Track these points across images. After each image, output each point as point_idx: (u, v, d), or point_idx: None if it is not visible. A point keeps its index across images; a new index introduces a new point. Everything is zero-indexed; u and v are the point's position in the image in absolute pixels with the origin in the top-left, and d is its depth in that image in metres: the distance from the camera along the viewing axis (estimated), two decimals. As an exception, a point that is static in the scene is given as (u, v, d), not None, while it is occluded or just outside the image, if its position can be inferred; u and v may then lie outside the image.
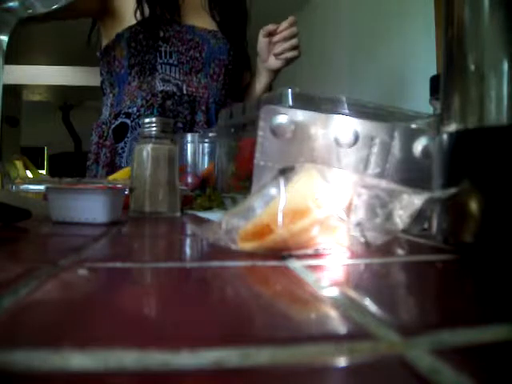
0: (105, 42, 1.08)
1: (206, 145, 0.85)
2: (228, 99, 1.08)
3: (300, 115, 0.35)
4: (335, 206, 0.23)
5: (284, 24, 0.95)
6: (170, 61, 1.00)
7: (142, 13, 0.98)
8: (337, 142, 0.35)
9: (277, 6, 1.91)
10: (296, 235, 0.23)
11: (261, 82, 1.05)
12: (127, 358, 0.10)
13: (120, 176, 0.82)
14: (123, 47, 1.01)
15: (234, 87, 1.11)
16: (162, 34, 0.99)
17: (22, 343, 0.11)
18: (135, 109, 1.00)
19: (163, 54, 0.99)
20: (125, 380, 0.10)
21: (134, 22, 0.99)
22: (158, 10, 0.99)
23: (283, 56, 0.96)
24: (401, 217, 0.23)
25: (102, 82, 1.13)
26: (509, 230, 0.21)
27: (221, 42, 1.05)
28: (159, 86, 1.00)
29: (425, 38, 1.39)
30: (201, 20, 1.05)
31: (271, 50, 0.98)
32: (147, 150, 0.50)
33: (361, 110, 0.44)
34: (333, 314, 0.14)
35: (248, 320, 0.14)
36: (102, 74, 1.14)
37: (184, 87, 1.01)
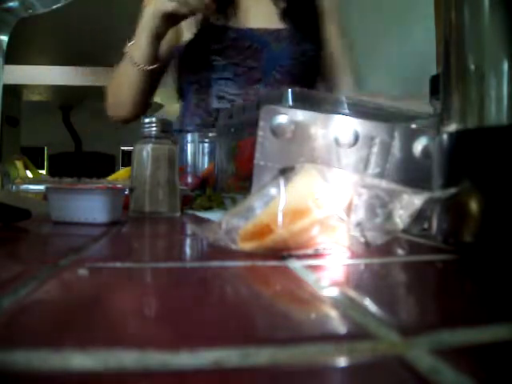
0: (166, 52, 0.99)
1: (206, 145, 0.85)
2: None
3: (300, 115, 0.35)
4: (335, 205, 0.23)
5: None
6: (225, 74, 0.91)
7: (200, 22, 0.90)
8: (337, 142, 0.35)
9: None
10: (296, 235, 0.23)
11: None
12: (127, 358, 0.10)
13: (120, 176, 0.82)
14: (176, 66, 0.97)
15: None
16: (215, 46, 0.90)
17: (22, 343, 0.11)
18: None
19: (218, 68, 0.91)
20: (125, 380, 0.10)
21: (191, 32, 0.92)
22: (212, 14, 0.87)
23: None
24: (401, 217, 0.23)
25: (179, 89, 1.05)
26: (509, 229, 0.21)
27: (284, 43, 0.92)
28: (215, 104, 0.92)
29: (425, 38, 1.39)
30: (260, 14, 0.94)
31: None
32: (147, 150, 0.50)
33: (361, 110, 0.44)
34: (333, 313, 0.14)
35: (248, 320, 0.14)
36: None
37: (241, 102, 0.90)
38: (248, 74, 0.91)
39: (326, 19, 0.98)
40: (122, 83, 0.90)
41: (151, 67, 0.84)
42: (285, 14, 0.94)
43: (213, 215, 0.48)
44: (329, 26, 0.98)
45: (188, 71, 0.95)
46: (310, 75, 0.96)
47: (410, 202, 0.23)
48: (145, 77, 0.86)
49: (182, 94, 1.01)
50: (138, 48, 0.83)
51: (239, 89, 0.91)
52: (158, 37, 0.81)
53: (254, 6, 0.95)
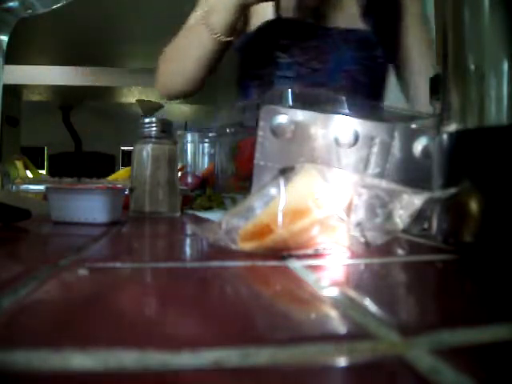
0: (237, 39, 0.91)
1: (206, 145, 0.85)
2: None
3: (300, 115, 0.35)
4: (335, 205, 0.23)
5: None
6: (288, 73, 0.84)
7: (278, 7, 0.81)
8: (337, 142, 0.35)
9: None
10: (296, 235, 0.23)
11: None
12: (127, 358, 0.10)
13: (120, 176, 0.82)
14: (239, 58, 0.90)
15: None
16: (281, 41, 0.83)
17: (22, 343, 0.11)
18: None
19: (281, 65, 0.84)
20: (125, 380, 0.10)
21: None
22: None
23: None
24: (401, 217, 0.23)
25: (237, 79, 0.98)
26: (509, 229, 0.21)
27: (354, 46, 0.84)
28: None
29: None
30: (340, 11, 0.85)
31: None
32: (147, 150, 0.50)
33: (361, 110, 0.44)
34: (333, 313, 0.14)
35: (248, 320, 0.14)
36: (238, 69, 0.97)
37: None
38: (311, 76, 0.84)
39: (408, 24, 0.88)
40: (189, 52, 0.81)
41: (229, 39, 0.77)
42: (366, 12, 0.85)
43: (213, 215, 0.48)
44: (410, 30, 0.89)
45: (251, 64, 0.88)
46: (376, 84, 0.89)
47: (410, 202, 0.23)
48: (219, 48, 0.78)
49: (241, 88, 0.94)
50: (218, 15, 0.75)
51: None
52: (244, 7, 0.74)
53: (337, 2, 0.86)
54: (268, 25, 0.83)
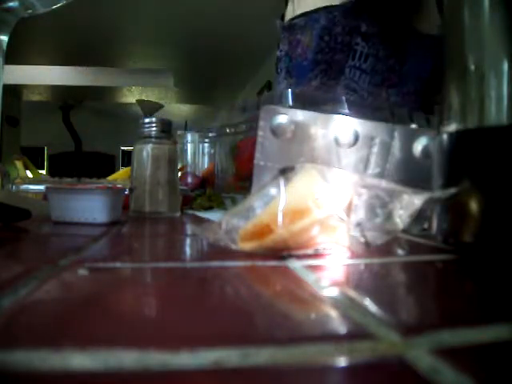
0: (291, 14, 0.82)
1: (206, 145, 0.85)
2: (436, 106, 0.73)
3: (300, 115, 0.35)
4: (335, 205, 0.23)
5: None
6: (363, 66, 0.75)
7: None
8: (337, 142, 0.35)
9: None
10: (296, 235, 0.23)
11: None
12: (127, 358, 0.10)
13: (120, 176, 0.82)
14: (313, 38, 0.78)
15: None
16: (363, 27, 0.74)
17: (22, 343, 0.11)
18: None
19: (357, 55, 0.75)
20: (125, 380, 0.10)
21: None
22: None
23: None
24: (401, 217, 0.23)
25: (279, 59, 0.87)
26: (509, 230, 0.21)
27: (428, 54, 0.76)
28: (340, 93, 0.76)
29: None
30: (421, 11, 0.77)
31: None
32: (147, 150, 0.50)
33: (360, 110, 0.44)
34: (333, 313, 0.14)
35: (248, 320, 0.14)
36: (279, 49, 0.87)
37: (368, 101, 0.76)
38: (386, 74, 0.76)
39: None
40: None
41: None
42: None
43: (213, 215, 0.48)
44: None
45: (322, 45, 0.77)
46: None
47: (410, 202, 0.23)
48: None
49: (287, 70, 0.84)
50: None
51: (373, 86, 0.76)
52: None
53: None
54: (356, 3, 0.73)
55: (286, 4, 0.87)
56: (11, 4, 0.30)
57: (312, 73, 0.79)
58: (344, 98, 0.44)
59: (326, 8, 0.76)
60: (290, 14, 0.84)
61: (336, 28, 0.75)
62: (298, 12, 0.81)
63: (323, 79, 0.78)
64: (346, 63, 0.76)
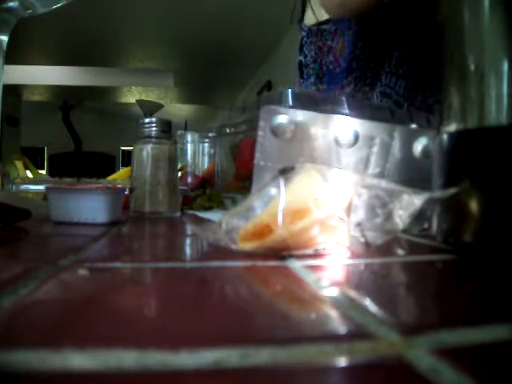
0: (312, 18, 0.78)
1: (206, 145, 0.85)
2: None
3: (300, 115, 0.35)
4: (335, 205, 0.23)
5: None
6: (400, 71, 0.72)
7: None
8: (337, 142, 0.35)
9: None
10: (296, 235, 0.23)
11: None
12: (127, 358, 0.10)
13: (120, 176, 0.82)
14: (345, 45, 0.75)
15: None
16: (398, 31, 0.71)
17: (22, 343, 0.11)
18: None
19: (394, 60, 0.72)
20: (125, 380, 0.10)
21: None
22: None
23: None
24: (401, 217, 0.23)
25: (304, 65, 0.84)
26: (509, 230, 0.21)
27: None
28: (376, 100, 0.74)
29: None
30: None
31: None
32: (147, 150, 0.50)
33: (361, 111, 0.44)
34: (333, 313, 0.14)
35: (248, 320, 0.14)
36: (303, 54, 0.83)
37: (405, 106, 0.73)
38: (422, 77, 0.71)
39: None
40: None
41: None
42: None
43: (213, 215, 0.48)
44: None
45: (356, 52, 0.74)
46: None
47: (410, 202, 0.23)
48: None
49: (318, 76, 0.81)
50: None
51: (409, 91, 0.73)
52: None
53: None
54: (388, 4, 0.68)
55: (304, 6, 0.83)
56: (11, 4, 0.30)
57: (346, 80, 0.76)
58: (344, 98, 0.44)
59: (359, 16, 0.72)
60: (310, 18, 0.81)
61: (370, 34, 0.72)
62: (324, 17, 0.77)
63: (357, 86, 0.76)
64: (382, 70, 0.73)
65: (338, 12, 0.71)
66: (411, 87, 0.72)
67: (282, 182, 0.24)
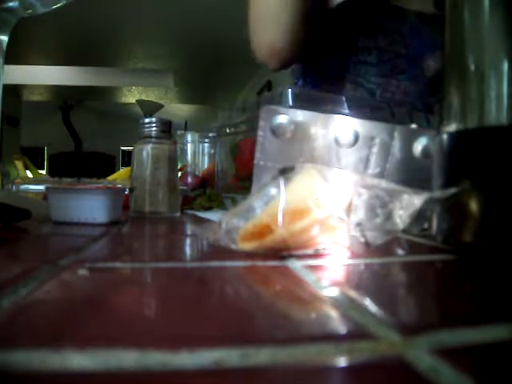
0: None
1: (206, 145, 0.85)
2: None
3: (300, 115, 0.34)
4: (335, 205, 0.23)
5: None
6: (369, 59, 0.75)
7: None
8: (337, 142, 0.35)
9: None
10: (296, 235, 0.23)
11: None
12: (127, 358, 0.10)
13: (120, 176, 0.82)
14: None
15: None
16: (364, 23, 0.75)
17: (22, 343, 0.11)
18: None
19: (362, 50, 0.75)
20: (125, 380, 0.10)
21: None
22: None
23: None
24: (401, 217, 0.23)
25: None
26: (509, 230, 0.21)
27: (435, 32, 0.73)
28: (348, 91, 0.77)
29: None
30: None
31: None
32: (147, 150, 0.50)
33: (360, 110, 0.44)
34: (333, 313, 0.14)
35: (248, 320, 0.14)
36: None
37: (378, 93, 0.76)
38: (393, 62, 0.75)
39: None
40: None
41: None
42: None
43: (213, 215, 0.48)
44: None
45: (324, 47, 0.78)
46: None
47: (410, 202, 0.23)
48: None
49: (301, 73, 0.84)
50: None
51: (380, 77, 0.76)
52: None
53: None
54: (344, 4, 0.73)
55: None
56: (11, 4, 0.30)
57: (315, 75, 0.79)
58: (344, 97, 0.44)
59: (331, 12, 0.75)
60: None
61: (332, 30, 0.76)
62: None
63: (328, 79, 0.77)
64: (350, 60, 0.75)
65: (271, 62, 0.75)
66: (383, 73, 0.75)
67: (281, 181, 0.24)
